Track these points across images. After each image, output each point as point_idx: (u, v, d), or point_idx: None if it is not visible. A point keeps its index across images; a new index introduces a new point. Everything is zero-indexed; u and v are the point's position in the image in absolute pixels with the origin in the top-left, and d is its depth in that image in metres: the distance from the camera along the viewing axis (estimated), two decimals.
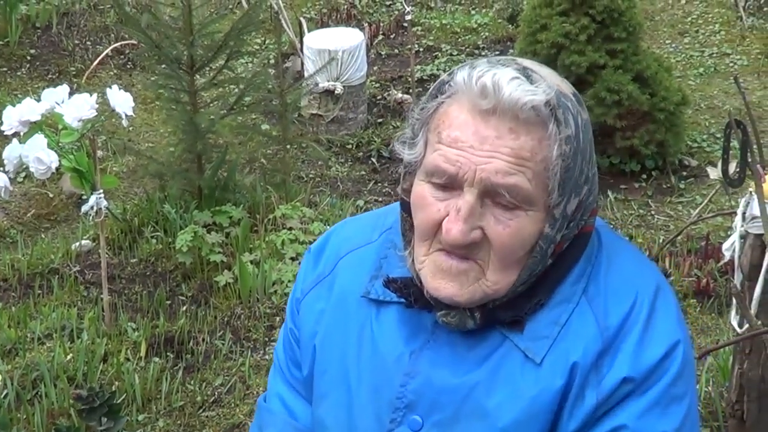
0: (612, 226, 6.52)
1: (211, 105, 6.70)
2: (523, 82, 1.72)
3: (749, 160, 3.29)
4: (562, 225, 1.80)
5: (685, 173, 7.32)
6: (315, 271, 2.09)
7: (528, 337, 1.84)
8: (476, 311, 1.85)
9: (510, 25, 9.96)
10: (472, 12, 10.64)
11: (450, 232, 1.77)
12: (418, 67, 9.24)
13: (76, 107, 5.01)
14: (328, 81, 7.98)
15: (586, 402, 1.81)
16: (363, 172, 7.56)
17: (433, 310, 1.89)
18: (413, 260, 1.89)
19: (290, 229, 6.02)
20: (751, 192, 3.48)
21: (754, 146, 3.35)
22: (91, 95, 5.13)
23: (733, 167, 3.93)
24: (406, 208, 1.89)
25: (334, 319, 2.01)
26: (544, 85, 1.73)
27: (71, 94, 5.21)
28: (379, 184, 7.37)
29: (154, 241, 6.20)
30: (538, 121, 1.72)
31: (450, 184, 1.77)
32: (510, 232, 1.77)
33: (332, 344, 2.00)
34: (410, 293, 1.91)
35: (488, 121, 1.72)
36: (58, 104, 5.11)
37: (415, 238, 1.87)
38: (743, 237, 3.64)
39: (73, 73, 9.11)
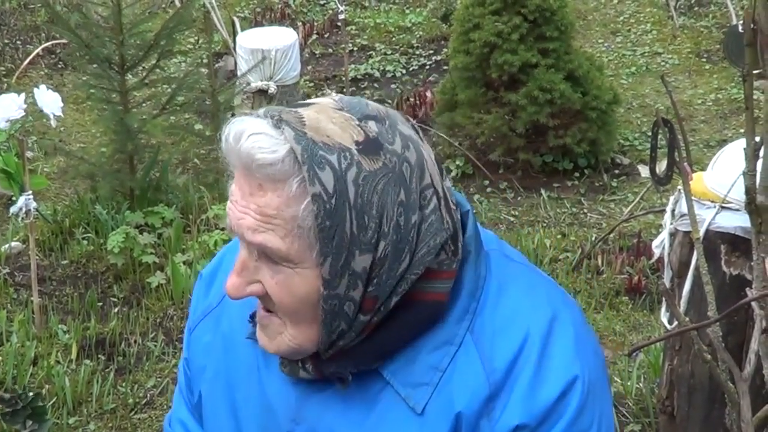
0: (545, 224, 6.57)
1: (143, 105, 6.66)
2: (262, 137, 1.63)
3: (677, 158, 3.31)
4: (350, 284, 1.67)
5: (617, 171, 7.38)
6: (206, 300, 2.02)
7: (409, 384, 1.75)
8: (308, 362, 1.79)
9: (444, 24, 9.98)
10: (407, 11, 10.65)
11: (226, 286, 1.73)
12: (353, 66, 9.24)
13: (3, 107, 4.95)
14: (262, 80, 7.94)
15: None
16: None
17: (334, 384, 1.81)
18: None
19: (223, 229, 5.98)
20: (680, 190, 3.50)
21: (682, 145, 3.37)
22: (19, 95, 5.07)
23: (663, 166, 3.97)
24: None
25: (222, 357, 1.95)
26: (293, 142, 1.62)
27: None
28: None
29: (85, 242, 6.14)
30: (281, 178, 1.62)
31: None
32: (279, 289, 1.69)
33: (220, 383, 1.95)
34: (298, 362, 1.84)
35: (247, 176, 1.65)
36: None
37: None
38: (673, 234, 3.67)
39: (3, 73, 9.01)
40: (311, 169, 1.61)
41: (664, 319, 3.70)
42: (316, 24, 10.32)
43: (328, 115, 1.67)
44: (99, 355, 5.15)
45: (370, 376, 1.78)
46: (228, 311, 1.95)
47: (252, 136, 1.63)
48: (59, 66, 9.27)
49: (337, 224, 1.63)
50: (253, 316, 1.84)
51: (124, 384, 4.94)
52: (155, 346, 5.22)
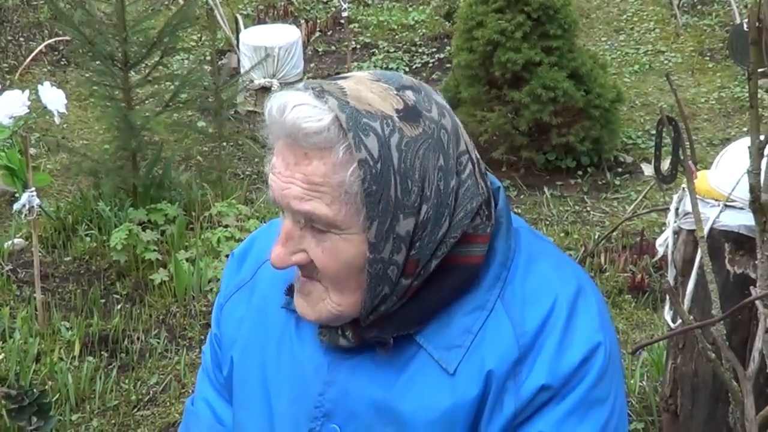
0: (548, 222, 6.58)
1: (146, 102, 6.66)
2: (306, 107, 1.68)
3: (681, 156, 3.31)
4: (394, 247, 1.74)
5: (620, 170, 7.38)
6: (237, 276, 2.07)
7: (442, 347, 1.81)
8: (347, 329, 1.84)
9: (447, 22, 9.98)
10: (409, 9, 10.65)
11: (271, 257, 1.78)
12: (355, 64, 9.24)
13: (6, 104, 4.94)
14: (265, 78, 7.95)
15: (505, 410, 1.79)
16: None
17: (368, 351, 1.86)
18: None
19: (226, 226, 5.99)
20: (683, 188, 3.50)
21: (686, 143, 3.37)
22: (23, 92, 5.07)
23: (667, 164, 3.96)
24: None
25: (254, 328, 1.99)
26: (335, 106, 1.68)
27: (2, 90, 5.14)
28: None
29: (88, 239, 6.14)
30: (327, 146, 1.68)
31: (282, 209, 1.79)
32: (327, 255, 1.74)
33: (251, 353, 1.98)
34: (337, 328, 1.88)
35: (291, 147, 1.70)
36: None
37: None
38: (676, 233, 3.67)
39: (6, 69, 9.01)
40: (357, 135, 1.67)
41: (668, 317, 3.69)
42: (319, 21, 10.32)
43: (367, 86, 1.73)
44: (102, 352, 5.15)
45: (402, 341, 1.83)
46: (260, 284, 2.01)
47: (296, 107, 1.68)
48: (62, 63, 9.27)
49: (383, 188, 1.69)
50: (289, 289, 1.90)
51: (126, 381, 4.95)
52: (158, 343, 5.22)
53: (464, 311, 1.82)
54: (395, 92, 1.74)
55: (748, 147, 2.69)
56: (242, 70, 7.97)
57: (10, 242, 6.16)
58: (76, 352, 5.10)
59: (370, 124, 1.68)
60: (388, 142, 1.69)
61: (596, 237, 6.27)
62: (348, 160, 1.67)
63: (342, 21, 9.41)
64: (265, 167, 1.81)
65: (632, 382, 4.68)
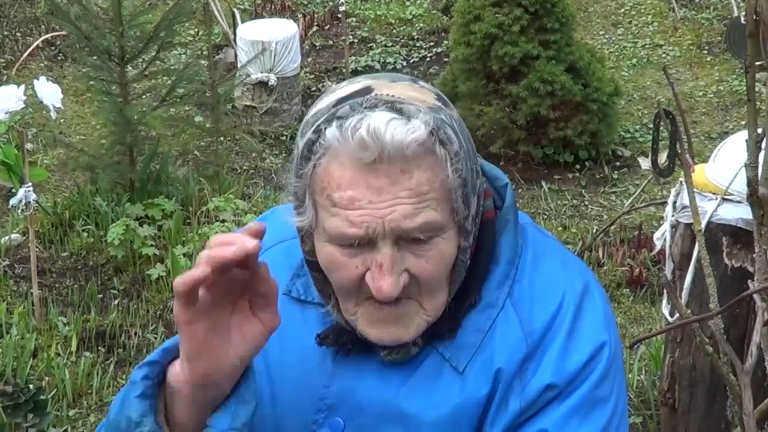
0: (546, 216, 6.57)
1: (143, 97, 6.65)
2: (400, 121, 1.66)
3: (679, 150, 3.31)
4: (471, 231, 1.77)
5: (618, 163, 7.38)
6: None
7: (452, 346, 1.81)
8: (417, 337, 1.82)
9: (444, 16, 9.96)
10: (407, 3, 10.62)
11: (381, 290, 1.72)
12: (353, 58, 9.22)
13: (3, 99, 4.94)
14: (262, 72, 7.93)
15: (510, 409, 1.79)
16: None
17: (377, 350, 1.83)
18: (338, 311, 1.83)
19: (223, 221, 5.98)
20: (681, 182, 3.49)
21: (684, 136, 3.36)
22: (19, 87, 5.06)
23: (664, 158, 3.96)
24: (314, 266, 1.84)
25: None
26: (421, 114, 1.67)
27: None
28: None
29: (85, 234, 6.13)
30: (426, 152, 1.67)
31: (361, 243, 1.72)
32: (433, 263, 1.73)
33: None
34: (346, 341, 1.85)
35: (377, 171, 1.66)
36: None
37: (338, 294, 1.81)
38: (674, 227, 3.66)
39: (3, 65, 8.98)
40: (444, 131, 1.69)
41: (666, 311, 3.69)
42: (316, 16, 10.30)
43: (400, 86, 1.74)
44: (99, 348, 5.15)
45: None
46: None
47: (391, 122, 1.66)
48: (59, 58, 9.25)
49: (468, 173, 1.73)
50: (324, 337, 1.86)
51: (124, 376, 4.93)
52: (155, 338, 5.22)
53: (477, 309, 1.83)
54: (418, 86, 1.77)
55: (746, 140, 2.69)
56: (239, 65, 7.95)
57: (6, 238, 6.14)
58: (74, 348, 5.10)
59: (441, 117, 1.70)
60: (455, 128, 1.72)
61: (594, 231, 6.26)
62: (446, 158, 1.69)
63: (339, 15, 9.37)
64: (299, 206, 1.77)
65: (630, 376, 4.67)
